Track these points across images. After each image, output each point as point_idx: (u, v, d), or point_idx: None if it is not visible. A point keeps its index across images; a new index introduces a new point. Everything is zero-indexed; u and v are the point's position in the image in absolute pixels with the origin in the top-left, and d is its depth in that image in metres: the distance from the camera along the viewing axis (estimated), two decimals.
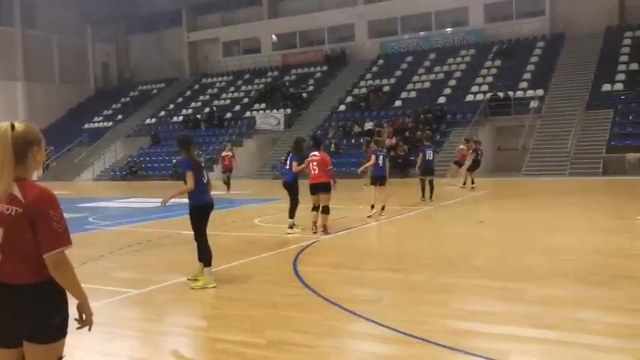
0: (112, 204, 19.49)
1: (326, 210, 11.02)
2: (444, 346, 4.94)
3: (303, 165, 11.16)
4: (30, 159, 2.95)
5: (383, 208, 13.32)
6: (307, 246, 9.91)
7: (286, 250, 9.64)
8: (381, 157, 13.35)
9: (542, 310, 5.89)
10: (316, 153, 11.22)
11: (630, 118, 24.76)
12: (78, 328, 3.07)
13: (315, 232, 10.95)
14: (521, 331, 5.27)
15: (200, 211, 7.44)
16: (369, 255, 9.58)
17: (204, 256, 7.43)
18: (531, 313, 5.81)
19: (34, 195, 2.85)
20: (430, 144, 16.89)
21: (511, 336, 5.18)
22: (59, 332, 2.94)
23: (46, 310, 2.90)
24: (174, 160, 32.51)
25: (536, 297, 6.41)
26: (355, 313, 5.93)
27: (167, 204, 7.56)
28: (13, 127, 2.89)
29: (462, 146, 21.48)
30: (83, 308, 3.00)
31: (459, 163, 21.07)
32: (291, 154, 11.88)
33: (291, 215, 11.25)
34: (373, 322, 5.64)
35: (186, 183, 7.30)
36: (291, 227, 11.19)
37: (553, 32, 33.43)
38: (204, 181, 7.44)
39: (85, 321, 3.04)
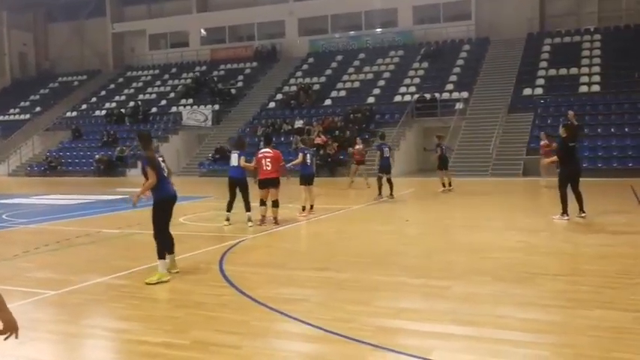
0: (29, 201, 18.63)
1: (276, 204, 11.83)
2: (370, 344, 4.98)
3: (252, 163, 11.81)
4: None
5: (311, 207, 13.36)
6: (234, 245, 9.79)
7: (212, 249, 9.48)
8: (309, 155, 13.40)
9: (463, 307, 6.04)
10: (268, 150, 11.86)
11: (549, 121, 25.86)
12: (5, 339, 2.82)
13: (260, 225, 11.60)
14: (444, 328, 5.38)
15: (165, 203, 7.53)
16: (296, 254, 9.55)
17: (159, 248, 7.44)
18: (454, 309, 5.95)
19: None
20: (385, 142, 17.26)
21: (434, 333, 5.28)
22: None
23: None
24: (97, 156, 31.49)
25: (459, 294, 6.57)
26: (282, 313, 5.89)
27: (137, 203, 7.61)
28: None
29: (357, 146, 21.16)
30: (1, 314, 2.72)
31: (362, 163, 20.80)
32: (238, 151, 11.84)
33: (229, 209, 11.71)
34: (300, 321, 5.62)
35: (147, 179, 7.39)
36: (228, 220, 11.70)
37: (478, 36, 34.50)
38: (165, 174, 7.61)
39: (6, 329, 2.80)
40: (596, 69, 28.98)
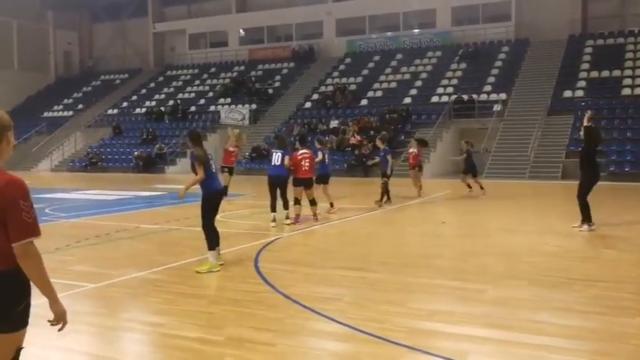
0: (70, 195, 19.07)
1: (314, 201, 12.29)
2: (403, 345, 4.97)
3: (287, 162, 11.81)
4: (4, 145, 2.91)
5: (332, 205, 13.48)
6: (268, 243, 9.87)
7: (248, 246, 9.56)
8: (326, 155, 13.74)
9: (499, 311, 5.97)
10: (306, 150, 12.21)
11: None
12: (52, 325, 3.02)
13: (295, 224, 11.68)
14: (479, 332, 5.33)
15: (212, 198, 8.02)
16: (330, 253, 9.57)
17: (208, 240, 7.89)
18: (488, 313, 5.89)
19: (4, 183, 2.81)
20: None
21: (469, 336, 5.23)
22: (20, 322, 2.89)
23: (10, 298, 2.85)
24: (136, 153, 32.04)
25: (494, 298, 6.50)
26: (315, 311, 5.91)
27: (183, 197, 8.10)
28: None
29: (412, 149, 18.43)
30: (53, 306, 2.95)
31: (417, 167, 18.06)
32: (281, 151, 11.93)
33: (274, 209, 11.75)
34: (333, 320, 5.64)
35: (197, 174, 7.89)
36: (274, 220, 11.67)
37: (518, 38, 33.99)
38: (213, 170, 8.22)
39: (56, 319, 2.98)
40: None
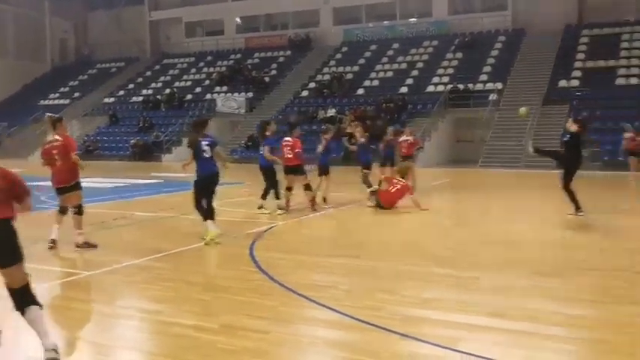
0: None
1: (308, 187, 12.22)
2: (397, 333, 5.01)
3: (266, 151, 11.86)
4: None
5: (324, 200, 13.03)
6: (264, 231, 9.90)
7: (243, 234, 9.59)
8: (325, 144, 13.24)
9: (492, 299, 6.02)
10: (289, 138, 12.12)
11: (584, 114, 25.36)
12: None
13: (286, 211, 11.77)
14: (472, 319, 5.37)
15: (201, 181, 8.86)
16: (325, 241, 9.61)
17: (202, 212, 8.82)
18: (482, 301, 5.94)
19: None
20: None
21: (462, 324, 5.27)
22: (22, 255, 4.29)
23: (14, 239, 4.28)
24: (132, 141, 31.96)
25: (489, 286, 6.54)
26: (310, 299, 5.95)
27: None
28: None
29: (406, 137, 16.18)
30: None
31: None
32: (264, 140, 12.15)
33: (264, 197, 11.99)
34: (328, 308, 5.67)
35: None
36: (261, 207, 11.87)
37: (514, 27, 33.94)
38: (206, 155, 8.80)
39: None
40: (635, 61, 28.26)
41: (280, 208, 11.80)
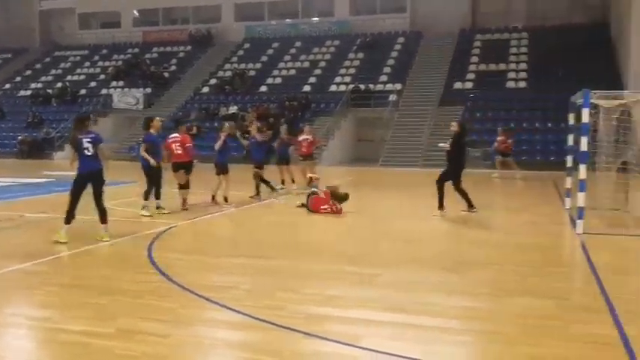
0: None
1: (186, 186, 11.96)
2: (299, 331, 4.98)
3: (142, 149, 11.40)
4: None
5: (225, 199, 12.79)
6: (163, 231, 9.58)
7: (141, 235, 9.23)
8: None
9: (393, 295, 6.13)
10: (177, 135, 11.97)
11: (478, 115, 26.58)
12: None
13: (185, 209, 11.69)
14: (373, 315, 5.43)
15: (79, 178, 8.54)
16: (225, 241, 9.45)
17: (67, 217, 8.52)
18: (383, 297, 6.03)
19: None
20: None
21: (364, 320, 5.32)
22: None
23: None
24: (19, 137, 30.11)
25: (389, 282, 6.66)
26: (210, 300, 5.80)
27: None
28: None
29: (306, 136, 16.37)
30: None
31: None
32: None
33: (158, 196, 11.50)
34: (229, 308, 5.56)
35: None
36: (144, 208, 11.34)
37: (412, 30, 34.98)
38: (87, 153, 8.49)
39: None
40: (523, 66, 29.94)
41: (158, 207, 11.35)
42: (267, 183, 14.18)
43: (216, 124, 28.09)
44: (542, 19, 32.80)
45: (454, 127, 11.57)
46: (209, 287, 6.25)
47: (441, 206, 11.34)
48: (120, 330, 5.01)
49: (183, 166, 11.87)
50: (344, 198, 11.79)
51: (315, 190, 12.13)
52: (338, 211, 11.55)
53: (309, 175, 14.29)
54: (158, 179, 11.39)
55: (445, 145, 11.56)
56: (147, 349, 4.63)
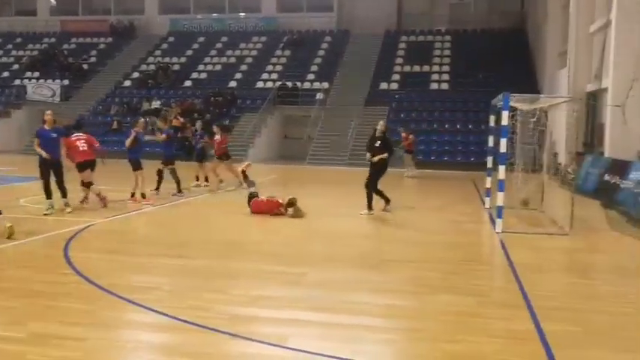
0: None
1: (89, 185, 11.64)
2: (225, 333, 4.88)
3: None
4: None
5: (143, 195, 12.44)
6: (80, 230, 9.19)
7: (56, 233, 8.82)
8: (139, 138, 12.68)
9: (319, 294, 6.11)
10: (81, 133, 11.92)
11: (402, 115, 27.11)
12: None
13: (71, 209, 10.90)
14: (300, 315, 5.40)
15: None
16: (146, 240, 9.16)
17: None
18: (309, 296, 6.01)
19: None
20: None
21: (290, 320, 5.28)
22: None
23: None
24: None
25: (314, 281, 6.64)
26: (132, 302, 5.61)
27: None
28: None
29: (216, 136, 15.95)
30: None
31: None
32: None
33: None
34: (151, 310, 5.39)
35: None
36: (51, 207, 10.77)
37: (339, 29, 35.25)
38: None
39: None
40: (446, 68, 30.79)
41: (67, 205, 10.88)
42: (160, 182, 13.69)
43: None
44: (464, 23, 33.82)
45: (381, 126, 11.63)
46: (130, 288, 6.03)
47: (370, 203, 11.50)
48: (34, 334, 4.75)
49: (90, 165, 11.60)
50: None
51: (254, 192, 11.85)
52: (278, 205, 11.36)
53: (240, 169, 13.94)
54: (58, 175, 10.72)
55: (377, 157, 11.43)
56: (64, 353, 4.42)
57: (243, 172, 12.90)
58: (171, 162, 13.76)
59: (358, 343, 4.82)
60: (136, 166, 12.33)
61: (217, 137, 15.72)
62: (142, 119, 13.55)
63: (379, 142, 11.46)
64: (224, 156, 15.62)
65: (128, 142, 12.38)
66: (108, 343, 4.69)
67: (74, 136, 11.73)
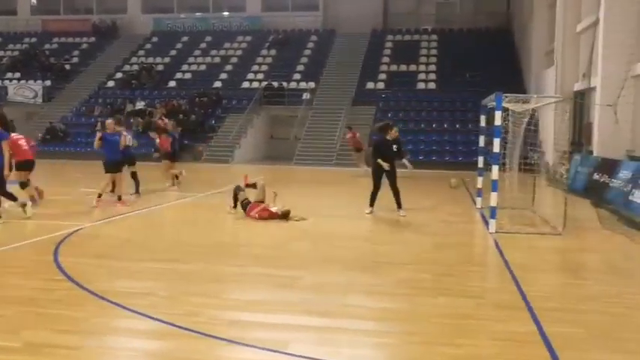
0: None
1: (25, 185, 11.76)
2: (221, 339, 4.79)
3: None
4: None
5: (119, 198, 12.27)
6: (69, 234, 9.02)
7: (45, 238, 8.65)
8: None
9: (315, 298, 6.03)
10: (18, 134, 11.94)
11: (389, 115, 27.08)
12: None
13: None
14: (298, 320, 5.32)
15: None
16: (138, 244, 9.00)
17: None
18: (306, 300, 5.92)
19: None
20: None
21: (288, 325, 5.20)
22: None
23: None
24: None
25: (310, 284, 6.56)
26: (125, 308, 5.49)
27: None
28: None
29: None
30: None
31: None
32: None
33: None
34: (145, 316, 5.28)
35: None
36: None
37: (325, 28, 35.18)
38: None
39: None
40: (433, 67, 30.86)
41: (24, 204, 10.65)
42: (137, 183, 13.67)
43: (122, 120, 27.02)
44: (450, 23, 33.93)
45: (395, 131, 11.76)
46: (123, 294, 5.91)
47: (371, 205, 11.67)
48: (27, 343, 4.62)
49: (30, 165, 11.73)
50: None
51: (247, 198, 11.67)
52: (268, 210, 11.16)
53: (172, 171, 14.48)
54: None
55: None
56: None
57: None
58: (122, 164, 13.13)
59: (359, 348, 4.75)
60: (110, 169, 12.10)
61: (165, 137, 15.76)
62: (110, 120, 13.09)
63: (395, 145, 11.65)
64: (171, 155, 15.65)
65: (95, 144, 12.23)
66: (102, 351, 4.59)
67: (15, 137, 11.60)
